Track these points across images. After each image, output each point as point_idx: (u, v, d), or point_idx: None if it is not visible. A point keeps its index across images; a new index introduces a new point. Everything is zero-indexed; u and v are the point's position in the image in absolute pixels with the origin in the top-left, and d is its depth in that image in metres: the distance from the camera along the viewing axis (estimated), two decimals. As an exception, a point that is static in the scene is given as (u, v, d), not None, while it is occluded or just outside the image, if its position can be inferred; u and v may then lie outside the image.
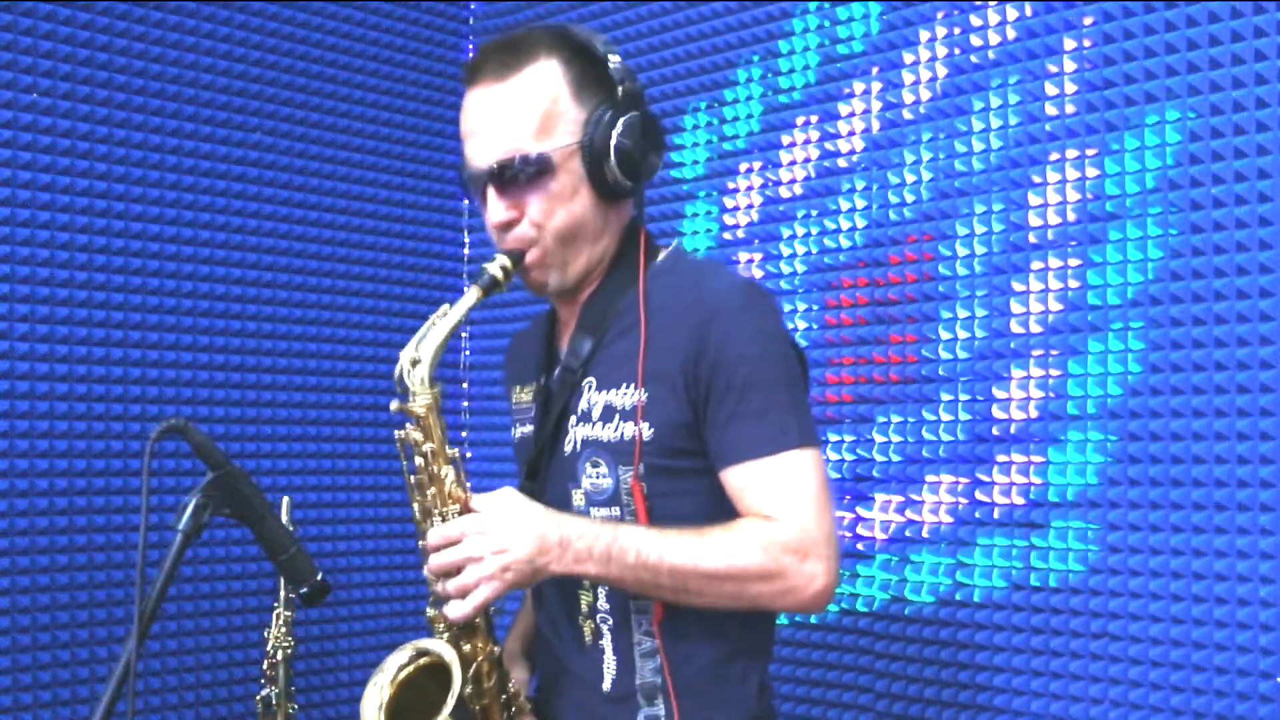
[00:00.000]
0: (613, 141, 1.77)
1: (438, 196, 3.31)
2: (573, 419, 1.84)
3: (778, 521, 1.70)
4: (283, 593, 2.45)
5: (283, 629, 2.44)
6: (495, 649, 1.80)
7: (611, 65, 1.80)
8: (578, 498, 1.82)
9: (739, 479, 1.73)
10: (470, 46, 3.38)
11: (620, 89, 1.79)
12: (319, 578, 1.88)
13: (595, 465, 1.80)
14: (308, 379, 3.02)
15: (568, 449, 1.84)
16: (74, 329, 2.61)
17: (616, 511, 1.78)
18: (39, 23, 2.57)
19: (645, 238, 1.87)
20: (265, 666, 2.45)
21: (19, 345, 2.52)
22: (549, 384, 1.91)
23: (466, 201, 3.37)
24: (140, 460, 2.62)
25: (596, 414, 1.80)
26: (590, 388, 1.82)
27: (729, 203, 2.74)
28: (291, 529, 2.06)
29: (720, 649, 1.78)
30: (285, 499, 2.51)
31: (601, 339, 1.83)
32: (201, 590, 2.78)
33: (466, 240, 3.37)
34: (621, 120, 1.78)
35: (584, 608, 1.82)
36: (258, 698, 2.46)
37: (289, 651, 2.44)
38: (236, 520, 1.80)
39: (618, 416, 1.78)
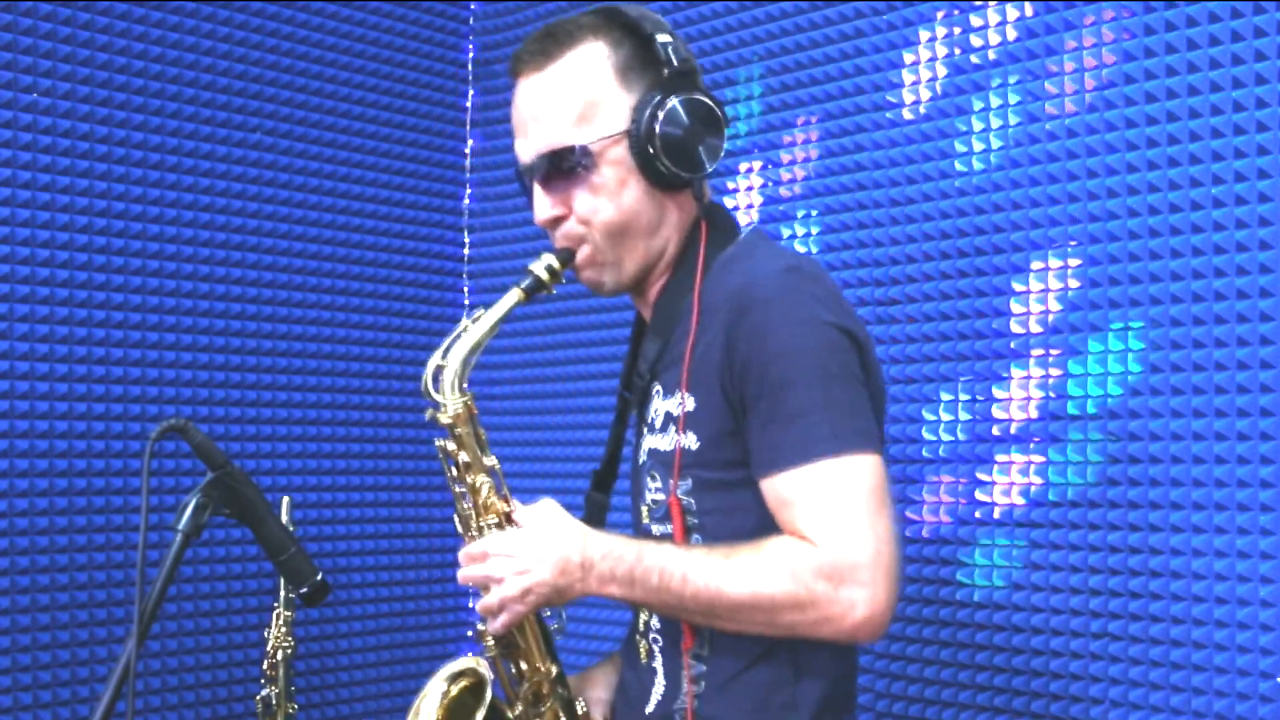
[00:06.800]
0: (658, 127, 1.62)
1: (437, 197, 3.31)
2: (644, 429, 1.71)
3: (811, 543, 1.51)
4: (283, 593, 2.46)
5: (283, 629, 2.44)
6: (554, 668, 1.72)
7: (659, 43, 1.64)
8: (645, 514, 1.71)
9: (773, 492, 1.55)
10: (470, 46, 3.38)
11: (673, 70, 1.64)
12: (319, 578, 1.88)
13: (654, 479, 1.68)
14: (307, 379, 3.02)
15: (639, 461, 1.72)
16: (74, 329, 2.61)
17: (670, 529, 1.65)
18: (39, 23, 2.57)
19: (723, 226, 1.73)
20: (265, 666, 2.46)
21: (19, 345, 2.52)
22: (626, 392, 1.80)
23: (467, 201, 3.37)
24: (140, 460, 2.62)
25: (659, 423, 1.67)
26: (658, 395, 1.69)
27: (729, 202, 2.74)
28: (291, 529, 2.07)
29: (763, 672, 1.61)
30: (285, 499, 2.51)
31: (668, 340, 1.68)
32: (201, 590, 2.78)
33: (466, 240, 3.37)
34: (669, 103, 1.63)
35: (641, 626, 1.72)
36: (258, 698, 2.46)
37: (289, 651, 2.45)
38: (236, 520, 1.81)
39: (671, 426, 1.63)
